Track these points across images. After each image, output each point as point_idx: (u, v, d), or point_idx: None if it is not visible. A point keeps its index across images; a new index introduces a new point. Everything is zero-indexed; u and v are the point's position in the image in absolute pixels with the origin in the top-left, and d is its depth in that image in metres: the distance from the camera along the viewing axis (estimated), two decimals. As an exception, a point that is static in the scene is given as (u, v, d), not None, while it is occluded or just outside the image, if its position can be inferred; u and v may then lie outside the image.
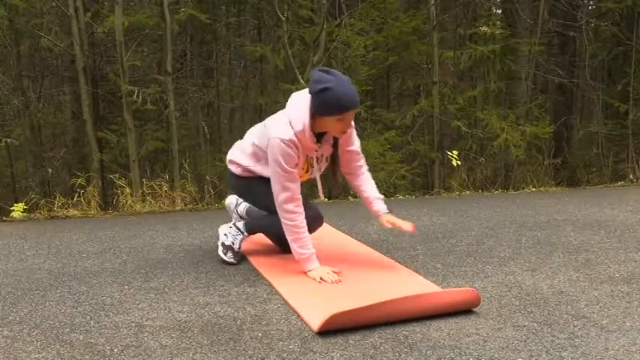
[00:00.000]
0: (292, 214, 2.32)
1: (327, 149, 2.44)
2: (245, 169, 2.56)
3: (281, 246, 2.65)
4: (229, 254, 2.61)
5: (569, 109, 8.93)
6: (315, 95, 2.20)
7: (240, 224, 2.68)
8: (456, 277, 2.41)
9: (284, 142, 2.25)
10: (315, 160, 2.43)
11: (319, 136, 2.36)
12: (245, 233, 2.66)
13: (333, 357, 1.67)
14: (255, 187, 2.55)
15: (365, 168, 2.57)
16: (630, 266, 2.54)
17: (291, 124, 2.27)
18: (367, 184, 2.56)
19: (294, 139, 2.26)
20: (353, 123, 2.40)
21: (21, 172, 8.08)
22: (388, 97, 8.77)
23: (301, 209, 2.34)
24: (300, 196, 2.35)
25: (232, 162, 2.64)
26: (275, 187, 2.33)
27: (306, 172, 2.47)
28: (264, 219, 2.67)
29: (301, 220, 2.34)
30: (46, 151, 7.97)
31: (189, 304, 2.12)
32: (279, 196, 2.32)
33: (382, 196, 2.57)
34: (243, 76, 8.51)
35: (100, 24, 6.51)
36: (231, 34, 8.18)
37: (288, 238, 2.36)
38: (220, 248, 2.63)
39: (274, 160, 2.28)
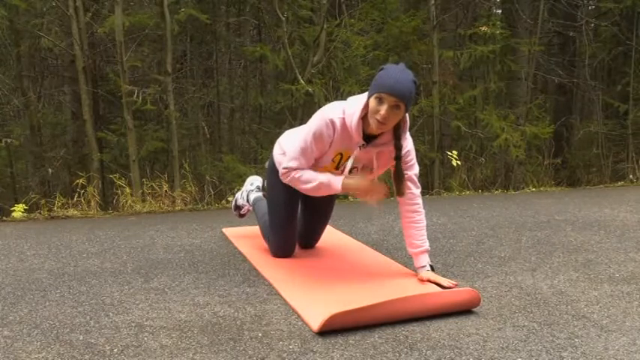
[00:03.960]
0: (294, 171, 2.28)
1: (373, 156, 2.29)
2: (283, 151, 2.53)
3: (266, 240, 2.76)
4: (235, 212, 3.19)
5: (569, 109, 8.93)
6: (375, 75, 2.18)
7: (253, 195, 3.03)
8: (456, 277, 2.41)
9: (325, 120, 2.19)
10: (352, 161, 2.28)
11: (369, 138, 2.24)
12: (248, 204, 3.07)
13: (333, 357, 1.67)
14: (276, 188, 2.53)
15: (420, 208, 2.37)
16: (630, 266, 2.54)
17: (344, 108, 2.21)
18: (418, 231, 2.36)
19: (337, 122, 2.19)
20: (412, 149, 2.30)
21: (21, 172, 8.08)
22: (388, 97, 8.74)
23: (304, 166, 2.28)
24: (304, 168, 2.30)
25: (279, 142, 2.64)
26: (289, 152, 2.29)
27: (336, 167, 2.35)
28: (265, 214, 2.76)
29: (302, 172, 2.28)
30: (46, 151, 7.97)
31: (189, 304, 2.12)
32: (286, 162, 2.28)
33: (429, 248, 2.39)
34: (243, 76, 8.51)
35: (100, 24, 6.51)
36: (231, 34, 8.19)
37: (308, 186, 2.28)
38: (233, 203, 3.21)
39: (306, 132, 2.24)
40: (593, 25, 8.44)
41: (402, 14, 7.18)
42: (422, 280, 2.30)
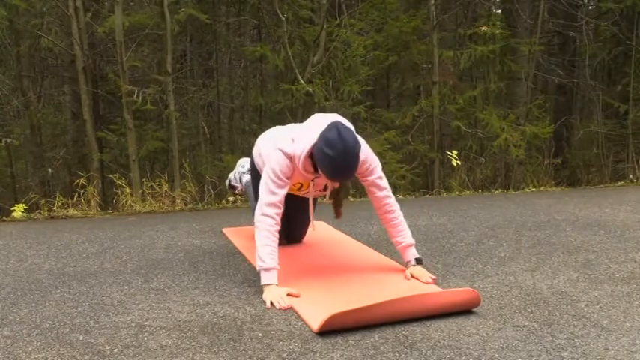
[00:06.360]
0: (270, 220, 2.23)
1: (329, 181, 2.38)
2: (260, 156, 2.65)
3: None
4: (230, 190, 3.37)
5: (569, 109, 8.93)
6: (320, 147, 2.15)
7: (245, 178, 3.10)
8: (456, 277, 2.41)
9: (284, 153, 2.26)
10: (312, 184, 2.40)
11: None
12: (240, 185, 3.17)
13: (333, 357, 1.67)
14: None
15: (392, 207, 2.41)
16: (630, 266, 2.54)
17: (293, 139, 2.28)
18: (395, 228, 2.41)
19: (293, 156, 2.27)
20: (368, 155, 2.34)
21: (21, 172, 8.08)
22: (388, 97, 8.78)
23: (278, 220, 2.25)
24: (282, 207, 2.27)
25: (257, 145, 2.73)
26: (262, 188, 2.28)
27: (298, 190, 2.46)
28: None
29: (276, 230, 2.24)
30: (46, 151, 7.97)
31: (189, 304, 2.12)
32: (264, 198, 2.26)
33: (413, 241, 2.42)
34: (243, 76, 8.50)
35: (100, 24, 6.51)
36: (231, 34, 8.19)
37: (258, 242, 2.22)
38: (227, 182, 3.35)
39: (270, 167, 2.29)
40: (593, 25, 8.43)
41: (402, 14, 7.18)
42: (406, 277, 2.34)
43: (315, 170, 2.28)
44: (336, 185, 2.40)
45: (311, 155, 2.23)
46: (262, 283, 2.18)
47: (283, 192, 2.28)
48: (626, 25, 7.90)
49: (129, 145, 5.75)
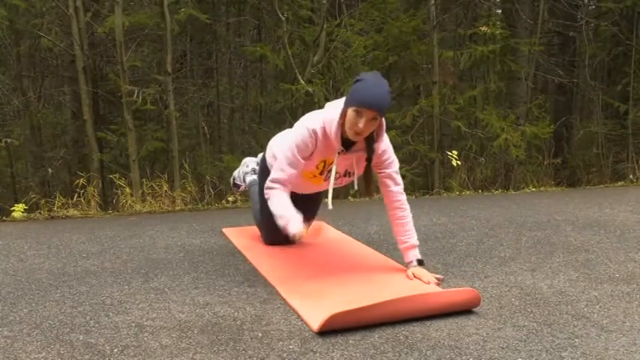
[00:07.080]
0: (277, 185, 2.31)
1: (352, 162, 2.38)
2: (273, 155, 2.65)
3: (257, 225, 2.92)
4: (234, 188, 3.38)
5: (569, 109, 8.93)
6: (353, 84, 2.23)
7: (249, 178, 3.11)
8: (456, 277, 2.41)
9: (307, 129, 2.28)
10: (334, 168, 2.37)
11: (348, 144, 2.31)
12: (244, 184, 3.16)
13: (333, 357, 1.67)
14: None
15: (403, 204, 2.41)
16: (630, 266, 2.54)
17: (323, 117, 2.30)
18: (402, 227, 2.41)
19: (319, 131, 2.28)
20: (388, 147, 2.35)
21: (21, 172, 8.08)
22: (388, 97, 8.75)
23: (286, 188, 2.32)
24: (289, 186, 2.33)
25: (270, 146, 2.76)
26: (274, 165, 2.34)
27: (320, 173, 2.44)
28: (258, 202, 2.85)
29: (287, 191, 2.31)
30: (46, 151, 7.97)
31: (189, 304, 2.12)
32: (273, 174, 2.32)
33: (417, 243, 2.40)
34: (243, 76, 8.51)
35: (100, 24, 6.51)
36: (231, 34, 8.19)
37: (271, 206, 2.31)
38: (232, 181, 3.34)
39: (288, 144, 2.31)
40: (593, 25, 8.44)
41: (402, 14, 7.17)
42: (408, 277, 2.34)
43: (343, 144, 2.29)
44: (354, 168, 2.39)
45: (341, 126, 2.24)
46: (292, 231, 2.21)
47: (292, 171, 2.30)
48: (626, 25, 7.91)
49: (129, 145, 5.74)
